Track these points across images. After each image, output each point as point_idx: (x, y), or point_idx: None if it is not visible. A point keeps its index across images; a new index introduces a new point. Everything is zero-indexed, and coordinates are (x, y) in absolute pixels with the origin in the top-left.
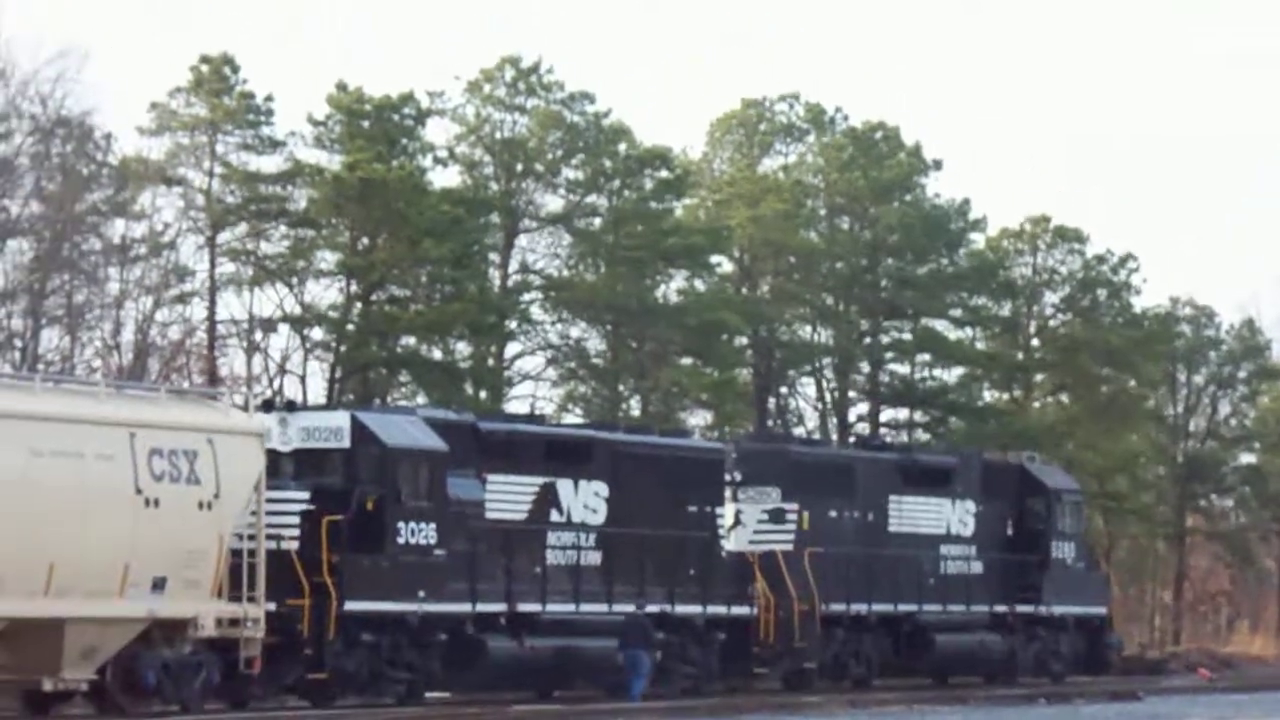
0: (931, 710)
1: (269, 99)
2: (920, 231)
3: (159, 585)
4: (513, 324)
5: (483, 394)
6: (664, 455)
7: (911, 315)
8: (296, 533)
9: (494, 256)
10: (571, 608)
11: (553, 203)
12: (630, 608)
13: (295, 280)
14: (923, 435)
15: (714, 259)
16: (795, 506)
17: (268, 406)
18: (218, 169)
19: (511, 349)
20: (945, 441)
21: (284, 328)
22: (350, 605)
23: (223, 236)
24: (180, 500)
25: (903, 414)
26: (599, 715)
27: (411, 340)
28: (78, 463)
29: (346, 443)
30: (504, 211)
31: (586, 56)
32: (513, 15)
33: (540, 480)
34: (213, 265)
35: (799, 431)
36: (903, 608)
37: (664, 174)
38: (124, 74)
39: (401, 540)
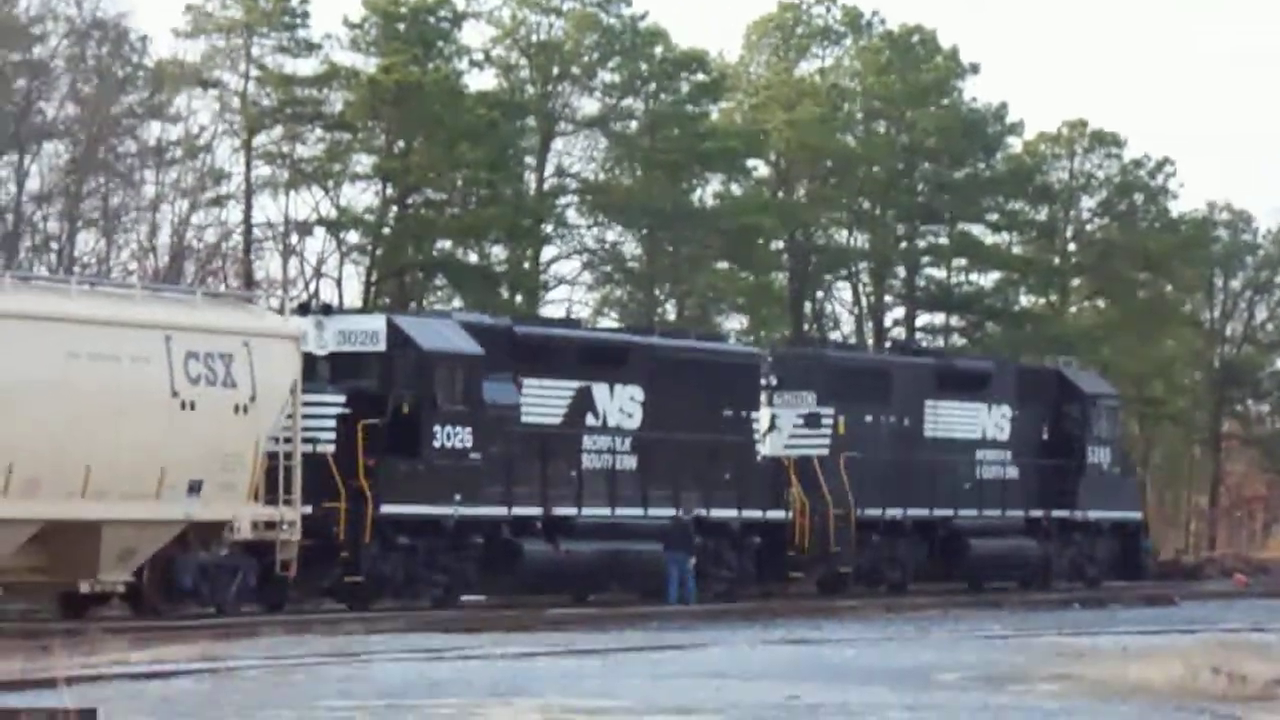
0: (967, 615)
1: (304, 1)
2: (957, 135)
3: (195, 488)
4: (549, 228)
5: (518, 298)
6: (700, 360)
7: (948, 220)
8: (332, 436)
9: (530, 160)
10: (607, 512)
11: (589, 106)
12: (668, 511)
13: (331, 183)
14: (959, 340)
15: (750, 163)
16: (831, 411)
17: (304, 310)
18: (253, 72)
19: (547, 253)
20: (981, 346)
21: (320, 231)
22: (386, 509)
23: (258, 139)
24: (216, 403)
25: (939, 319)
26: (635, 618)
27: (447, 244)
28: (114, 365)
29: (382, 346)
30: (540, 115)
31: None
32: None
33: (576, 384)
34: (248, 168)
35: (835, 336)
36: (938, 513)
37: (700, 77)
38: None
39: (437, 444)
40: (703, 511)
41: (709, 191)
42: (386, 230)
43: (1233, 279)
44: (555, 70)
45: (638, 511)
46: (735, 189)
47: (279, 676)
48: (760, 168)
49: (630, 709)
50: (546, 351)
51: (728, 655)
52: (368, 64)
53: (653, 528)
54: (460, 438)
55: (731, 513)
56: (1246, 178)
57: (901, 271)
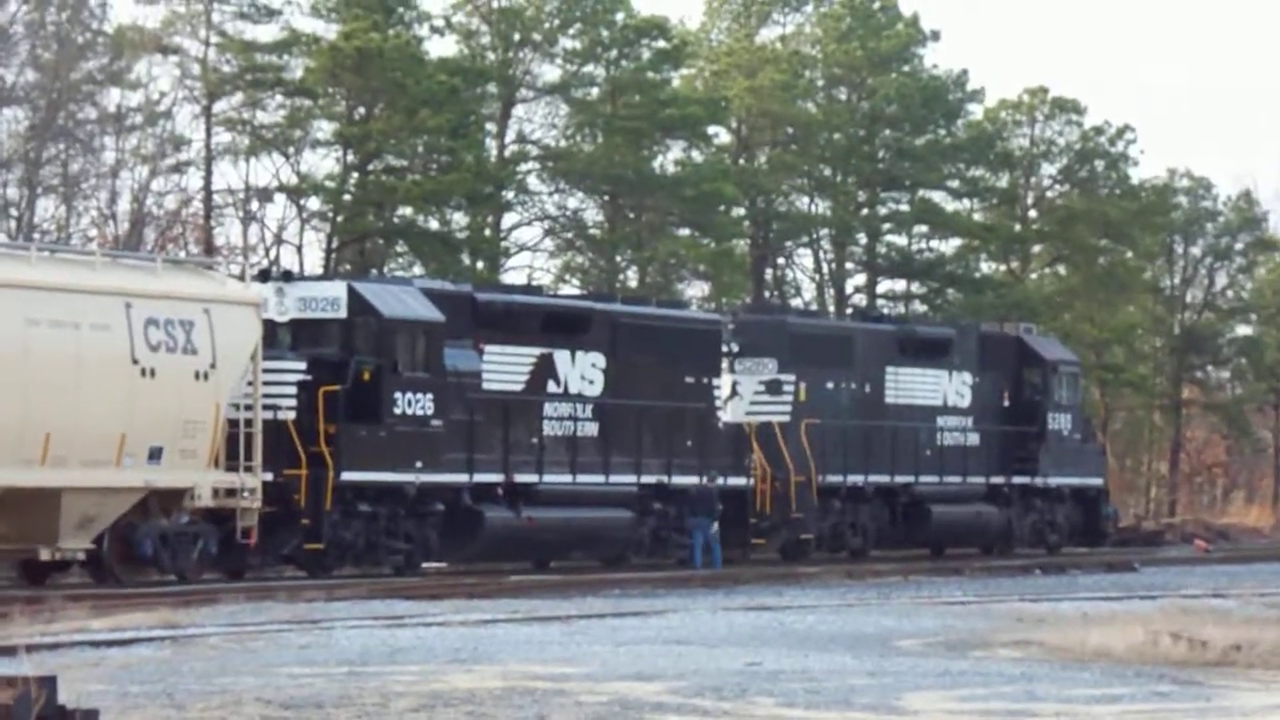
0: (928, 581)
1: None
2: (918, 103)
3: (155, 455)
4: (510, 194)
5: (480, 264)
6: (661, 326)
7: (909, 186)
8: (293, 403)
9: (491, 127)
10: (568, 479)
11: (550, 73)
12: (630, 478)
13: (292, 150)
14: (920, 307)
15: (711, 130)
16: (792, 378)
17: (264, 276)
18: (214, 38)
19: (508, 219)
20: (942, 313)
21: (280, 197)
22: (347, 475)
23: (219, 106)
24: (177, 370)
25: (900, 285)
26: (596, 585)
27: (408, 210)
28: (74, 332)
29: (343, 313)
30: (501, 81)
31: None
32: None
33: (537, 351)
34: (209, 134)
35: (796, 303)
36: (900, 479)
37: (661, 44)
38: None
39: (398, 411)
40: (663, 478)
41: (670, 158)
42: (347, 197)
43: (1193, 246)
44: (516, 36)
45: (599, 478)
46: (696, 156)
47: (239, 644)
48: (721, 134)
49: (591, 675)
50: (508, 318)
51: (689, 622)
52: (328, 30)
53: (613, 494)
54: (421, 404)
55: (693, 479)
56: (1206, 144)
57: (863, 238)
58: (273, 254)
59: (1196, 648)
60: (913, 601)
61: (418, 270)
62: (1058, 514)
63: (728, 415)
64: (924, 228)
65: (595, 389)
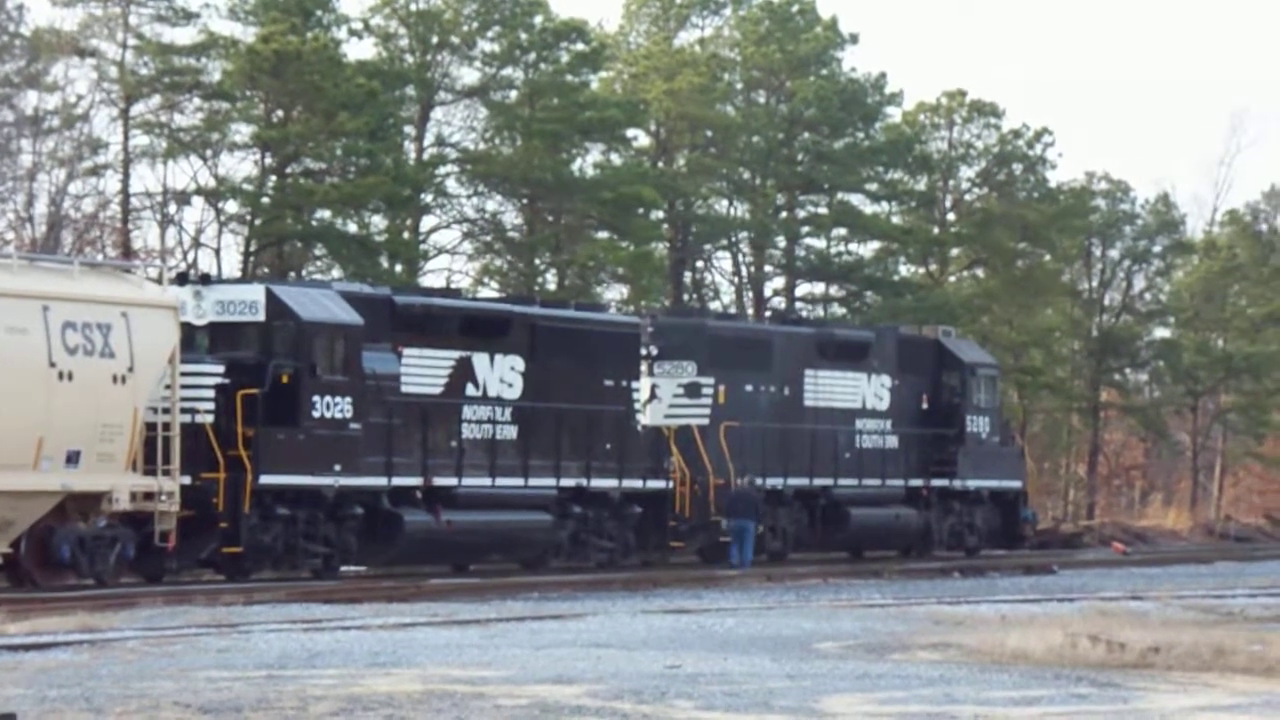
0: (847, 584)
1: None
2: (836, 106)
3: (73, 459)
4: (428, 197)
5: (398, 268)
6: (580, 329)
7: (828, 189)
8: (211, 406)
9: (410, 130)
10: (487, 482)
11: (468, 75)
12: (549, 481)
13: (209, 153)
14: (839, 310)
15: (630, 133)
16: (711, 381)
17: (182, 279)
18: (131, 40)
19: (427, 222)
20: (861, 316)
21: (198, 200)
22: (265, 479)
23: (136, 109)
24: (94, 373)
25: (819, 288)
26: (515, 589)
27: (327, 214)
28: None
29: (261, 316)
30: (419, 84)
31: None
32: None
33: (456, 354)
34: (126, 137)
35: (715, 306)
36: (818, 482)
37: (580, 47)
38: None
39: (317, 414)
40: (582, 481)
41: (589, 161)
42: (265, 200)
43: (1111, 249)
44: (434, 39)
45: (518, 481)
46: (615, 159)
47: (158, 648)
48: (640, 138)
49: (510, 678)
50: (426, 321)
51: (608, 625)
52: (246, 33)
53: (533, 497)
54: (340, 408)
55: (612, 482)
56: (1124, 148)
57: (781, 241)
58: (190, 257)
59: (1115, 650)
60: (831, 604)
61: (336, 273)
62: (976, 516)
63: (647, 418)
64: (843, 231)
65: (514, 392)
